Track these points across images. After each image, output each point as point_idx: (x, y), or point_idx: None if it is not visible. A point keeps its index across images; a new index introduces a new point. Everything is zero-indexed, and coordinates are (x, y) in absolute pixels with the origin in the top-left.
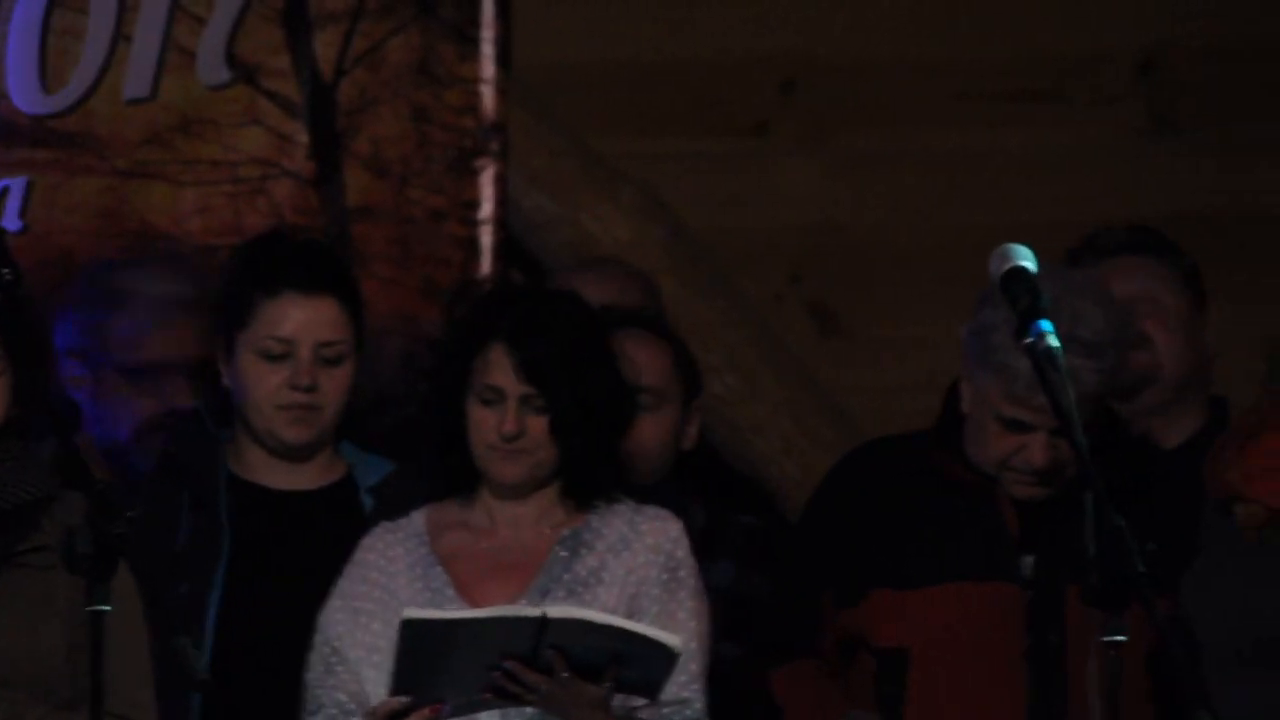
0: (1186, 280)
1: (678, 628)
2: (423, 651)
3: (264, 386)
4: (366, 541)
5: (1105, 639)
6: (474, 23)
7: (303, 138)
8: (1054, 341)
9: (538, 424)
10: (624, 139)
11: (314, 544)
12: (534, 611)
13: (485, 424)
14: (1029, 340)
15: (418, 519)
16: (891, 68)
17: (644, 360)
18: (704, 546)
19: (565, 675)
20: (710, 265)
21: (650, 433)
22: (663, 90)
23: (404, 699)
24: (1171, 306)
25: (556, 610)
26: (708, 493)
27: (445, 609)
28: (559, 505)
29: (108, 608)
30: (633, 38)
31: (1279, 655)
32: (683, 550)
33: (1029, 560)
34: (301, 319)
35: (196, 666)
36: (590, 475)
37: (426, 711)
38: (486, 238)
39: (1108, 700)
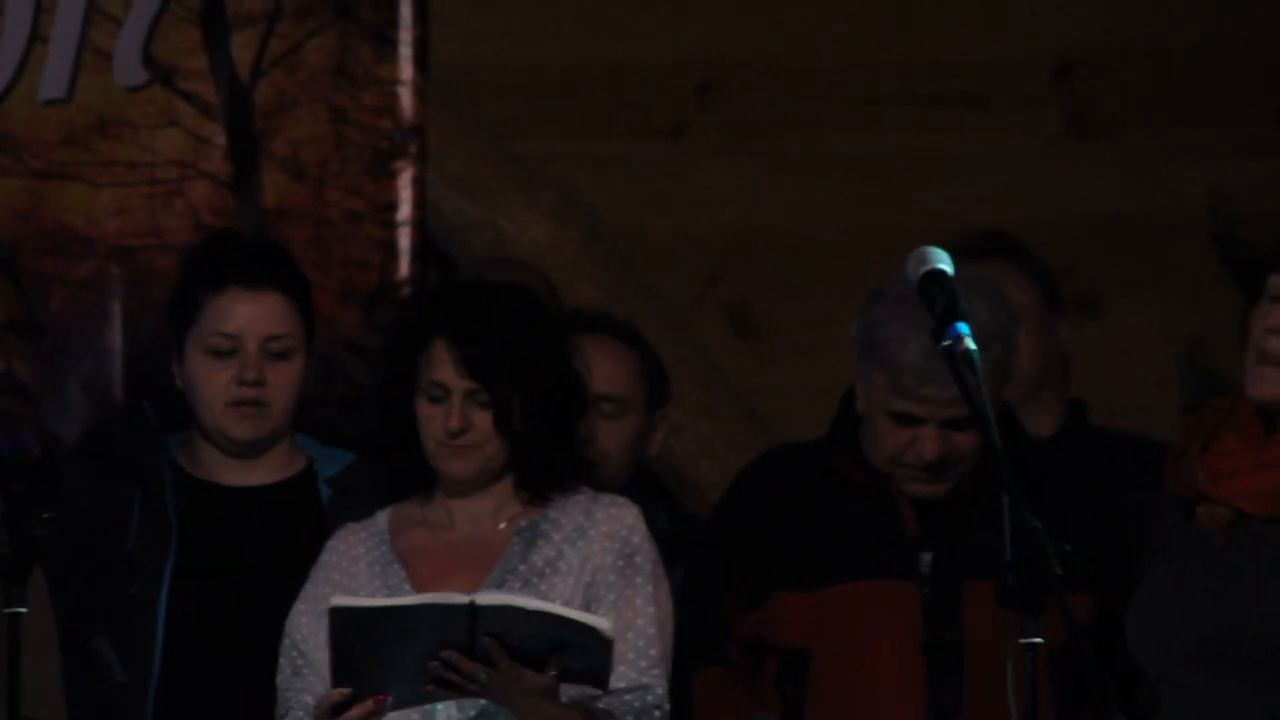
0: (1039, 283)
1: (635, 614)
2: (355, 641)
3: (212, 384)
4: (331, 543)
5: (1022, 640)
6: (392, 24)
7: (220, 139)
8: (971, 344)
9: (483, 418)
10: (542, 141)
11: (271, 539)
12: (461, 598)
13: (433, 421)
14: (947, 343)
15: (381, 519)
16: (809, 71)
17: (609, 368)
18: (667, 551)
19: (505, 664)
20: (628, 267)
21: (612, 439)
22: (581, 93)
23: (345, 691)
24: (1024, 306)
25: (485, 597)
26: (672, 497)
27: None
28: (515, 498)
29: (24, 609)
30: (551, 40)
31: (1244, 653)
32: (639, 536)
33: (927, 558)
34: (247, 314)
35: (116, 668)
36: (542, 467)
37: (370, 703)
38: (405, 240)
39: (1025, 701)
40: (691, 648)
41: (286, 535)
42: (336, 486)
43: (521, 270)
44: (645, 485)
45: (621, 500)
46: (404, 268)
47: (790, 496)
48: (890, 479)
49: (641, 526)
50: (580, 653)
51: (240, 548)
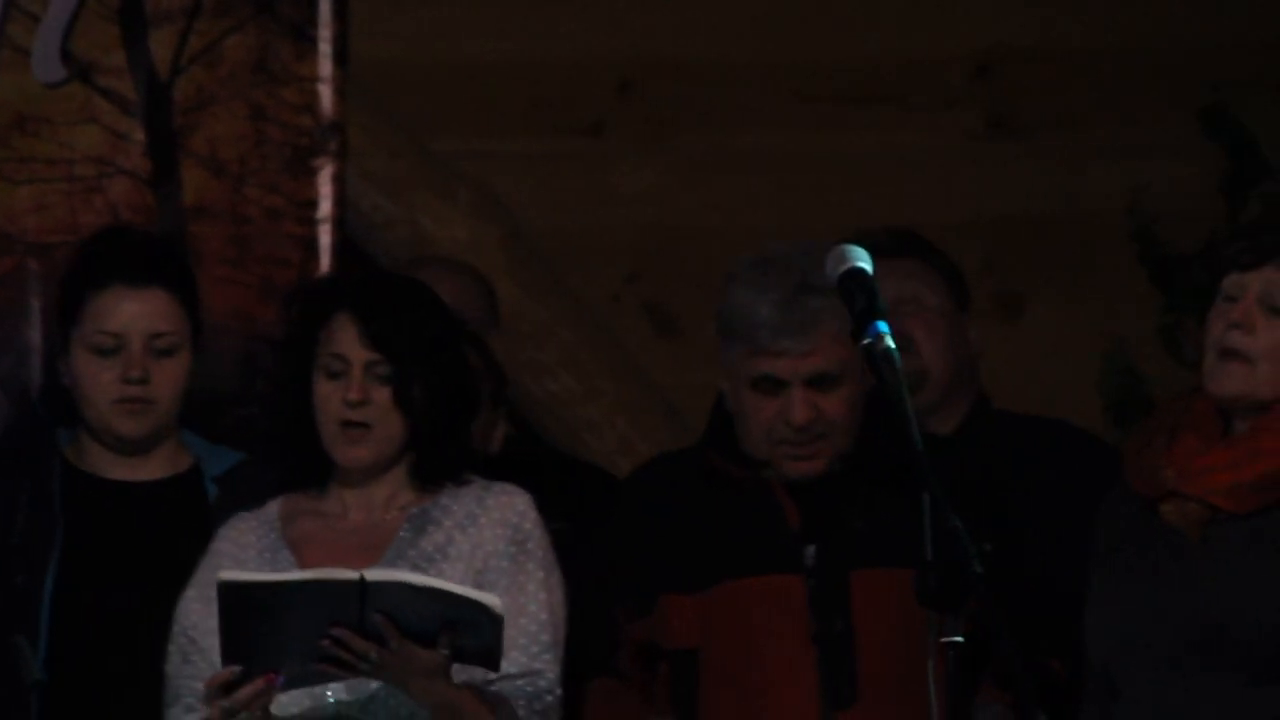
0: (949, 281)
1: (527, 600)
2: (245, 617)
3: (97, 382)
4: (221, 531)
5: (943, 640)
6: (312, 22)
7: (139, 136)
8: (891, 343)
9: (382, 394)
10: (461, 139)
11: (155, 535)
12: (351, 574)
13: (331, 398)
14: (867, 341)
15: (272, 507)
16: (728, 69)
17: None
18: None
19: (396, 642)
20: (547, 265)
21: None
22: (500, 90)
23: (235, 669)
24: (934, 306)
25: (374, 573)
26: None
27: None
28: (408, 486)
29: None
30: (471, 38)
31: (1227, 651)
32: (530, 522)
33: (810, 550)
34: (130, 311)
35: (33, 666)
36: (437, 454)
37: (260, 682)
38: (325, 237)
39: (947, 700)
40: (582, 659)
41: (172, 531)
42: (223, 485)
43: (457, 268)
44: (580, 478)
45: (512, 487)
46: (324, 265)
47: (672, 501)
48: (769, 475)
49: (533, 514)
50: (471, 631)
51: (126, 542)
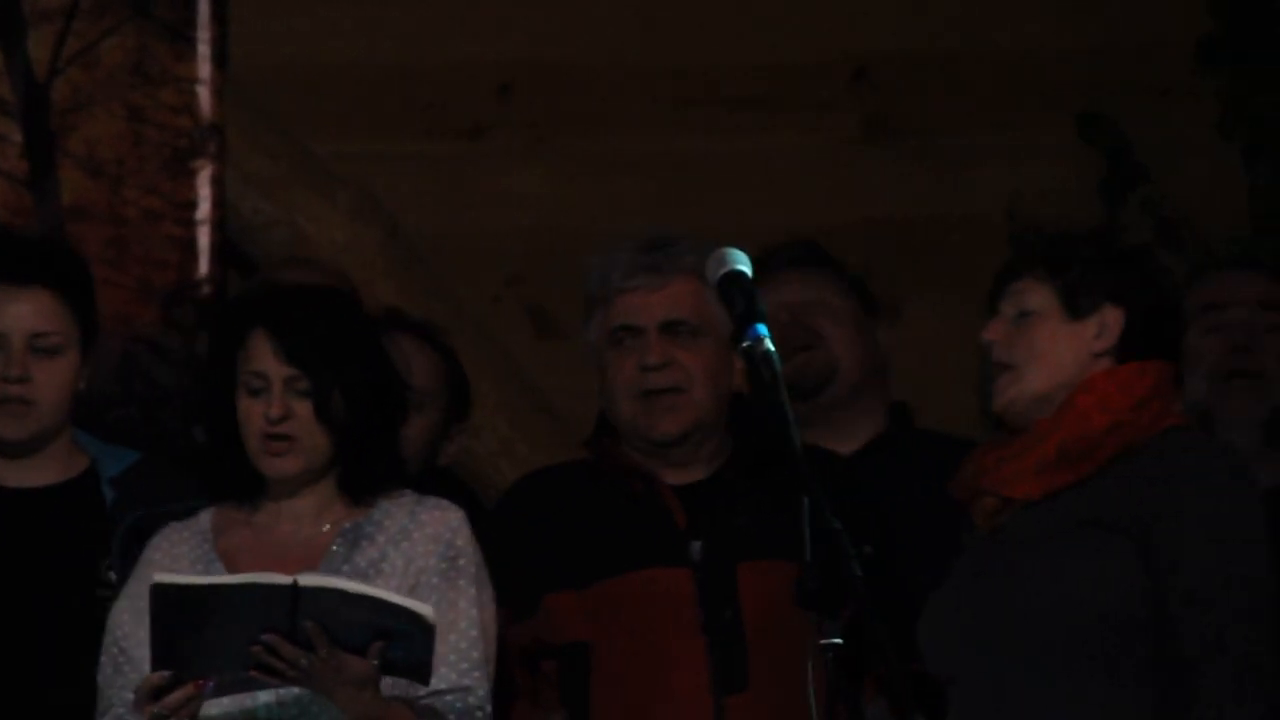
0: (853, 288)
1: (458, 616)
2: (177, 621)
3: None
4: (154, 540)
5: (823, 641)
6: (190, 23)
7: (16, 137)
8: (770, 345)
9: (304, 408)
10: (341, 141)
11: (52, 541)
12: (284, 579)
13: (253, 415)
14: (746, 344)
15: (204, 518)
16: (609, 72)
17: (415, 364)
18: None
19: (326, 650)
20: (427, 267)
21: (414, 429)
22: (380, 92)
23: (165, 674)
24: (841, 307)
25: (308, 578)
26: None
27: None
28: (338, 499)
29: None
30: (351, 40)
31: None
32: (463, 539)
33: (697, 545)
34: (12, 311)
35: None
36: (364, 466)
37: (190, 688)
38: (204, 239)
39: (826, 702)
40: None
41: (68, 536)
42: (120, 486)
43: (320, 270)
44: (445, 485)
45: (445, 502)
46: (203, 266)
47: (556, 504)
48: (653, 470)
49: (466, 530)
50: (403, 642)
51: (21, 550)
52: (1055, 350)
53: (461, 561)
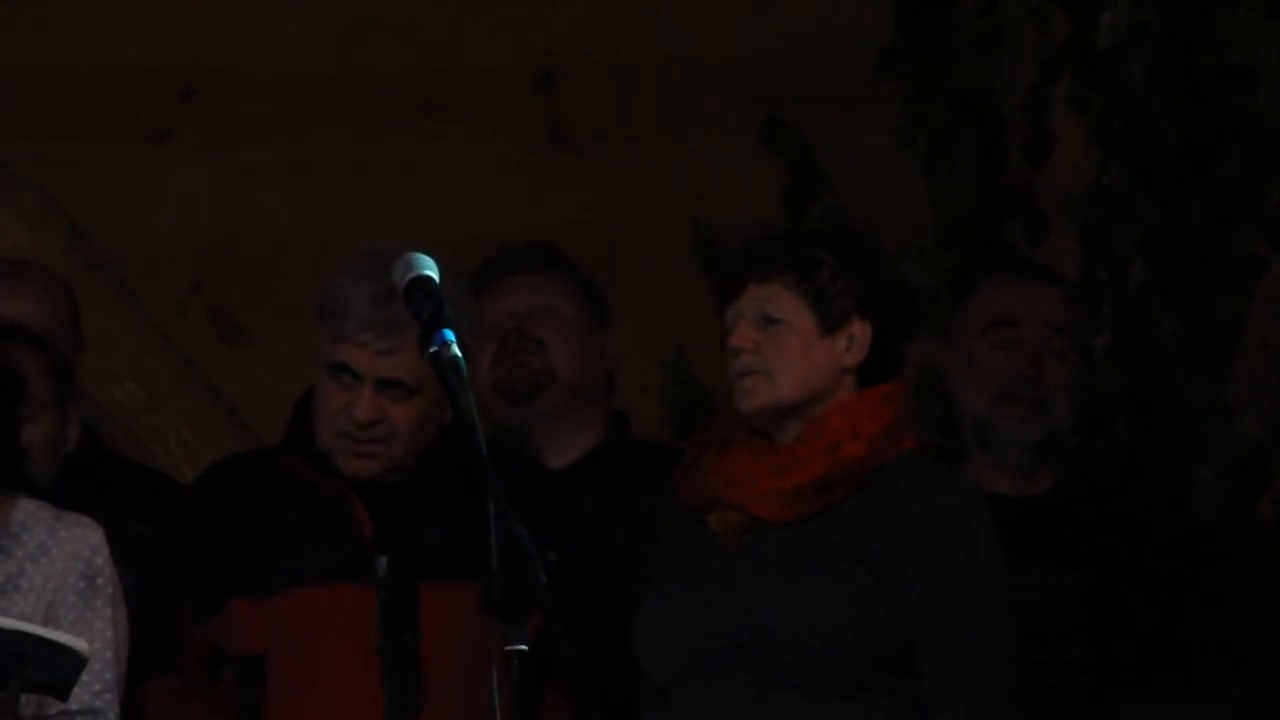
0: (586, 296)
1: (94, 636)
2: None
3: None
4: None
5: (508, 648)
6: None
7: None
8: (459, 351)
9: None
10: (22, 143)
11: None
12: None
13: None
14: (433, 349)
15: None
16: (293, 77)
17: (33, 373)
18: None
19: None
20: (110, 272)
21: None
22: (62, 95)
23: None
24: (568, 315)
25: None
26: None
27: None
28: None
29: None
30: (32, 42)
31: (757, 658)
32: (101, 558)
33: (383, 561)
34: None
35: None
36: None
37: None
38: None
39: (511, 709)
40: (143, 659)
41: None
42: None
43: (42, 273)
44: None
45: (86, 520)
46: None
47: (245, 501)
48: (342, 476)
49: (104, 549)
50: (47, 665)
51: None
52: (808, 362)
53: (99, 581)
